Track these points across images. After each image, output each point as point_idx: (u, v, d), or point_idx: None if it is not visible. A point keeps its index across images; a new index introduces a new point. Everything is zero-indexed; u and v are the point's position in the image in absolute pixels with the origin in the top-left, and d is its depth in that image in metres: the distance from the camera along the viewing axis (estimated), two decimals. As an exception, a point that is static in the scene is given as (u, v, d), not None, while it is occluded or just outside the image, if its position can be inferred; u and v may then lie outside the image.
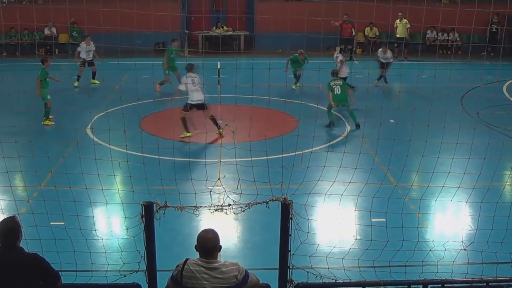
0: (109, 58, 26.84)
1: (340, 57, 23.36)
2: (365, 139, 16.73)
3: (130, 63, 26.19)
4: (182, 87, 18.84)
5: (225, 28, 35.35)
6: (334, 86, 20.59)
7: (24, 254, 6.58)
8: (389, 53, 26.39)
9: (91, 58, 26.36)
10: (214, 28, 35.41)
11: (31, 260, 6.57)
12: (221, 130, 18.38)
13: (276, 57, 23.44)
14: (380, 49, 26.66)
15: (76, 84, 25.81)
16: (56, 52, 32.45)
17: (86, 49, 26.17)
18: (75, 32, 32.72)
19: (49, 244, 8.95)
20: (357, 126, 20.24)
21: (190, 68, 18.94)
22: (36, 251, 6.96)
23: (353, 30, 32.41)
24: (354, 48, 33.66)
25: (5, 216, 8.09)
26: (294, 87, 25.01)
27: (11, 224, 6.59)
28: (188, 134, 18.30)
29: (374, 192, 10.24)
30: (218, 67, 22.84)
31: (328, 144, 18.00)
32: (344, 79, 22.28)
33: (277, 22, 29.18)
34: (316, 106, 20.21)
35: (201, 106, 18.39)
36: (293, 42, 24.40)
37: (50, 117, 19.96)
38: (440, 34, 35.10)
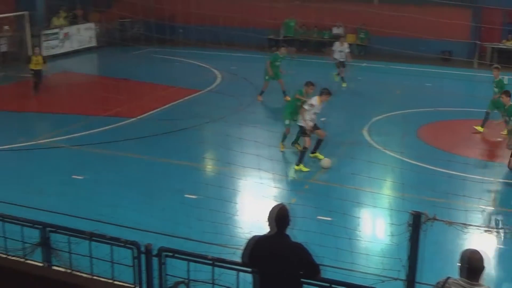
0: (392, 62, 26.89)
1: None
2: None
3: (413, 69, 26.09)
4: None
5: (516, 42, 33.59)
6: None
7: (291, 242, 6.80)
8: None
9: (343, 59, 25.71)
10: (505, 41, 33.79)
11: (297, 250, 6.76)
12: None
13: None
14: None
15: (343, 85, 25.35)
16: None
17: (338, 49, 25.69)
18: (362, 34, 33.16)
19: (314, 236, 9.18)
20: None
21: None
22: (301, 241, 7.16)
23: None
24: None
25: (277, 202, 8.43)
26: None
27: (285, 212, 6.83)
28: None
29: None
30: (505, 82, 21.76)
31: None
32: None
33: None
34: None
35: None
36: None
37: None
38: None
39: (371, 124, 19.16)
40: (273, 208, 6.84)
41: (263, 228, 6.85)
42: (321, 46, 33.54)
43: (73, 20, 33.26)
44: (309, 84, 16.50)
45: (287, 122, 16.68)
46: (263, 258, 6.76)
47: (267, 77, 22.51)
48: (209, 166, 15.98)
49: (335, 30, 34.36)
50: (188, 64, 29.24)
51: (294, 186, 14.34)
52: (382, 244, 11.01)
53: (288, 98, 22.21)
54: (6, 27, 29.14)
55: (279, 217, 6.75)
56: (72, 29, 32.71)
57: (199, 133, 17.32)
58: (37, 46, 25.84)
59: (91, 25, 33.97)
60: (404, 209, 7.41)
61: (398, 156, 14.66)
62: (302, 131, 15.70)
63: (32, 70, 22.97)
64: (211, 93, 23.84)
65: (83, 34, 33.30)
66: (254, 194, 13.56)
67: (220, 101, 22.30)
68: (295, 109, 16.30)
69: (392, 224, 8.99)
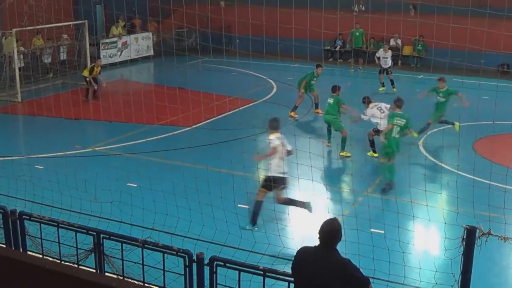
0: (452, 75, 26.57)
1: None
2: None
3: (471, 82, 25.74)
4: (363, 117, 17.74)
5: None
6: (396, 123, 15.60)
7: (338, 258, 6.67)
8: None
9: (388, 66, 27.05)
10: None
11: (342, 266, 6.63)
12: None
13: None
14: None
15: (380, 89, 27.03)
16: (399, 64, 32.82)
17: (383, 56, 27.15)
18: (420, 46, 32.83)
19: (366, 249, 9.10)
20: (387, 187, 14.87)
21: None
22: (353, 254, 7.10)
23: None
24: None
25: (329, 214, 8.37)
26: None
27: (335, 226, 6.73)
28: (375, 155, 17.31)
29: None
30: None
31: None
32: None
33: None
34: None
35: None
36: None
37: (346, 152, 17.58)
38: None
39: (427, 137, 18.92)
40: (325, 222, 6.79)
41: (315, 240, 6.80)
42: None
43: (131, 29, 33.79)
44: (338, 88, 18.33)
45: (342, 125, 17.74)
46: (306, 270, 6.71)
47: (303, 91, 22.58)
48: (263, 176, 15.99)
49: (393, 42, 34.11)
50: (244, 74, 29.38)
51: (348, 198, 14.24)
52: (436, 258, 10.84)
53: (320, 112, 22.25)
54: (65, 36, 29.77)
55: (329, 231, 6.67)
56: (130, 38, 33.24)
57: (254, 143, 17.33)
58: (99, 57, 26.38)
59: (149, 34, 34.48)
60: (458, 224, 7.28)
61: (454, 170, 14.42)
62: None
63: (87, 77, 23.58)
64: (267, 103, 23.88)
65: (141, 43, 33.81)
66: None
67: (276, 112, 22.27)
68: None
69: (446, 238, 8.84)
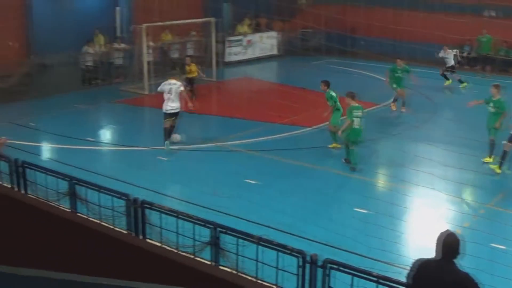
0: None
1: None
2: None
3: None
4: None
5: None
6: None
7: (458, 272, 6.48)
8: None
9: (449, 65, 27.45)
10: None
11: (462, 279, 6.45)
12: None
13: None
14: None
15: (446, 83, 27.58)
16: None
17: (444, 56, 27.46)
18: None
19: (484, 264, 8.81)
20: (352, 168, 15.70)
21: None
22: (470, 267, 6.87)
23: None
24: None
25: (448, 225, 8.16)
26: None
27: (457, 240, 6.54)
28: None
29: None
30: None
31: None
32: None
33: None
34: None
35: None
36: None
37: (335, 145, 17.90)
38: None
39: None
40: (442, 233, 6.60)
41: (431, 250, 6.64)
42: (507, 66, 32.04)
43: (256, 28, 34.18)
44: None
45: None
46: (425, 283, 6.55)
47: (394, 86, 22.66)
48: (382, 182, 15.79)
49: (524, 49, 32.77)
50: (367, 76, 29.06)
51: (469, 209, 13.84)
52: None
53: (394, 108, 22.48)
54: (193, 33, 30.53)
55: (446, 244, 6.49)
56: (255, 37, 33.65)
57: (374, 148, 17.16)
58: (189, 56, 26.38)
59: (274, 33, 34.75)
60: None
61: None
62: None
63: (187, 78, 23.84)
64: (388, 107, 23.54)
65: (266, 42, 34.14)
66: (426, 214, 13.23)
67: (397, 117, 22.00)
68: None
69: None
